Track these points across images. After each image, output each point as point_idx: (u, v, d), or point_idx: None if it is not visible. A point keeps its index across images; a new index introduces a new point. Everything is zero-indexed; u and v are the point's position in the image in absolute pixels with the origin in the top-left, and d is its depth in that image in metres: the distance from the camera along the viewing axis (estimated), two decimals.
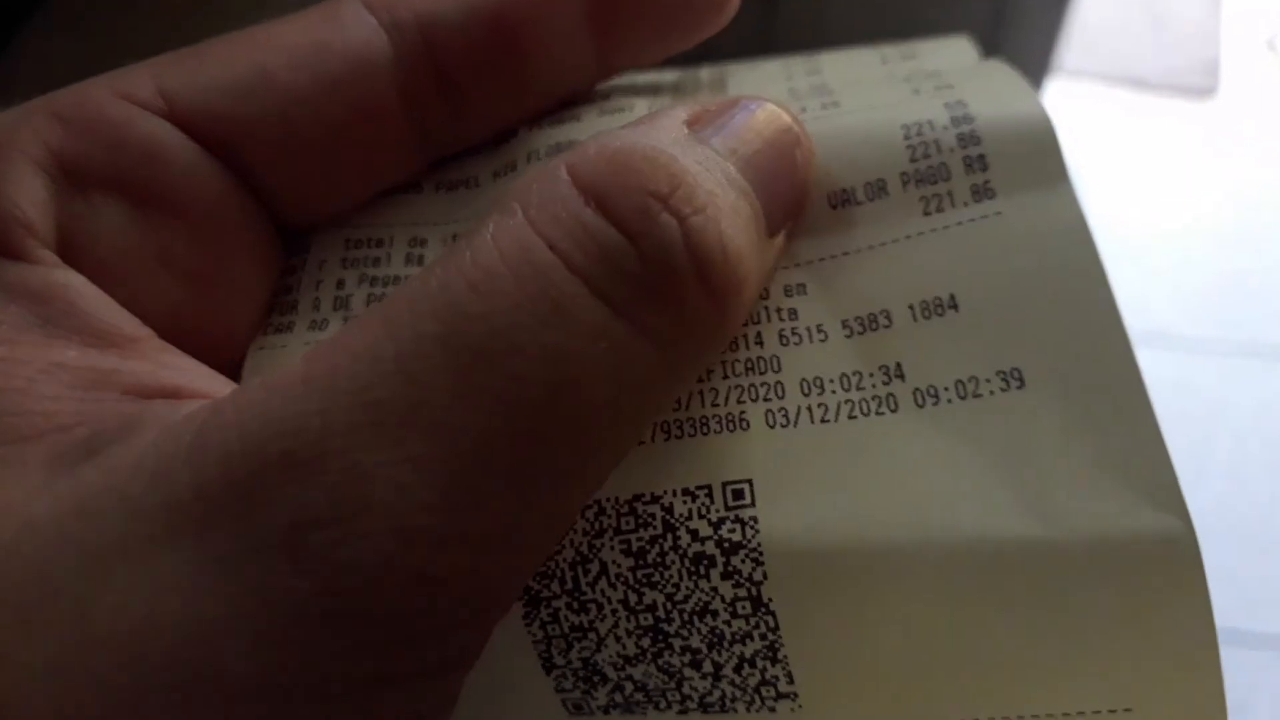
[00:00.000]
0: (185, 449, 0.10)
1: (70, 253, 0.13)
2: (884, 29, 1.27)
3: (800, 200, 0.14)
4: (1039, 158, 0.14)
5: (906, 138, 0.15)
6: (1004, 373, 0.14)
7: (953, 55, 0.18)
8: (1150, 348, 1.24)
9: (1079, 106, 1.51)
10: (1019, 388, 0.14)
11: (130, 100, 0.13)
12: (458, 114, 0.15)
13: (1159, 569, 0.13)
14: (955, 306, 0.14)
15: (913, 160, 0.15)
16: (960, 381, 0.14)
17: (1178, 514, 0.13)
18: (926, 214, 0.15)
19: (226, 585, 0.10)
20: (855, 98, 0.16)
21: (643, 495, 0.14)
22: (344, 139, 0.14)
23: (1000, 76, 0.16)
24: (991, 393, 0.14)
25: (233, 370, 0.15)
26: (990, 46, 1.37)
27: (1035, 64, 1.45)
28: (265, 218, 0.15)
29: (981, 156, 0.14)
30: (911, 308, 0.14)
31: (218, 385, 0.13)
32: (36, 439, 0.11)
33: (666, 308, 0.12)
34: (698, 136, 0.13)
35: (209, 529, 0.10)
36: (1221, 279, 1.30)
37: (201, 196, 0.14)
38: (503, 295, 0.11)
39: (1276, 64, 1.57)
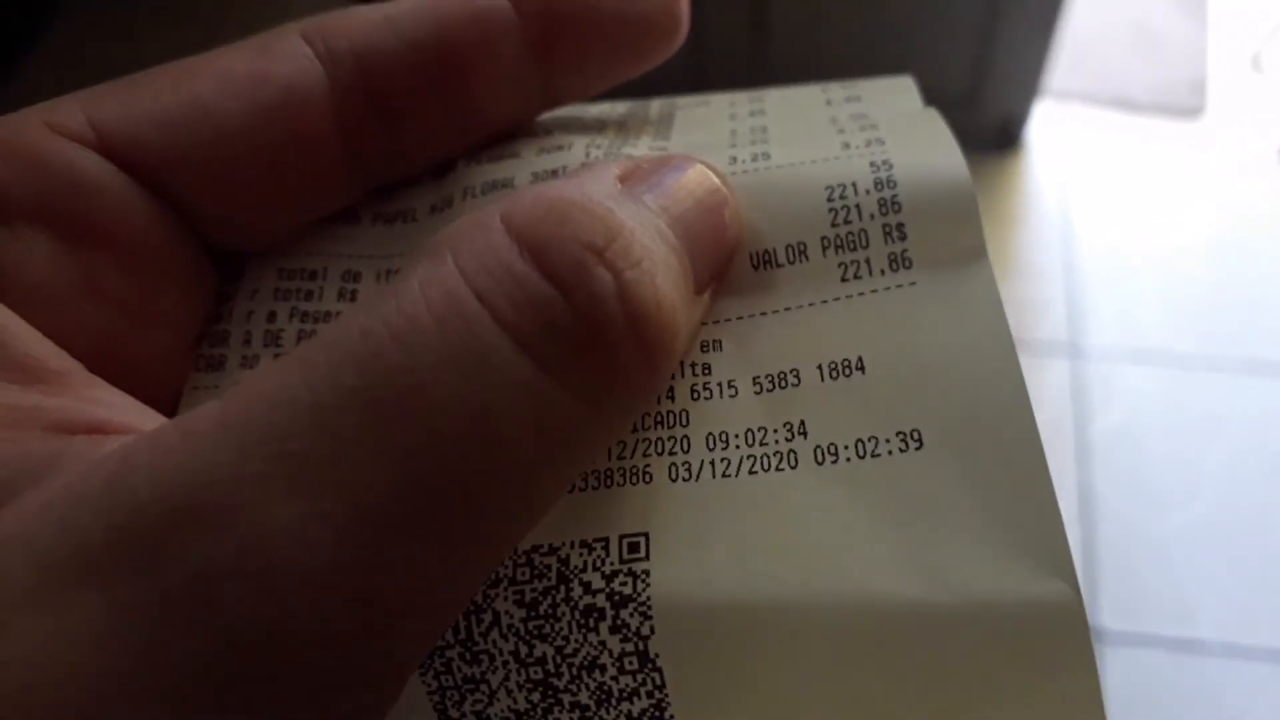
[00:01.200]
0: (97, 494, 0.10)
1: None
2: (874, 54, 1.28)
3: (727, 259, 0.14)
4: (957, 231, 0.15)
5: (829, 200, 0.15)
6: (904, 433, 0.14)
7: (895, 99, 0.17)
8: (1140, 364, 1.25)
9: (1067, 127, 1.53)
10: (917, 448, 0.14)
11: (59, 131, 0.13)
12: (396, 143, 0.15)
13: (1045, 637, 0.13)
14: (863, 369, 0.14)
15: (834, 225, 0.15)
16: (860, 440, 0.14)
17: (1067, 580, 0.13)
18: (844, 280, 0.15)
19: (131, 639, 0.09)
20: (787, 149, 0.16)
21: (540, 546, 0.14)
22: (278, 169, 0.14)
23: (931, 133, 0.16)
24: (890, 452, 0.14)
25: (167, 401, 0.15)
26: (979, 69, 1.38)
27: (1024, 85, 1.46)
28: (198, 246, 0.15)
29: (901, 225, 0.15)
30: (820, 368, 0.14)
31: (146, 419, 0.12)
32: None
33: (597, 363, 0.11)
34: (630, 193, 0.13)
35: (117, 579, 0.10)
36: (1211, 296, 1.31)
37: (131, 227, 0.14)
38: (426, 348, 0.10)
39: (1262, 82, 1.58)
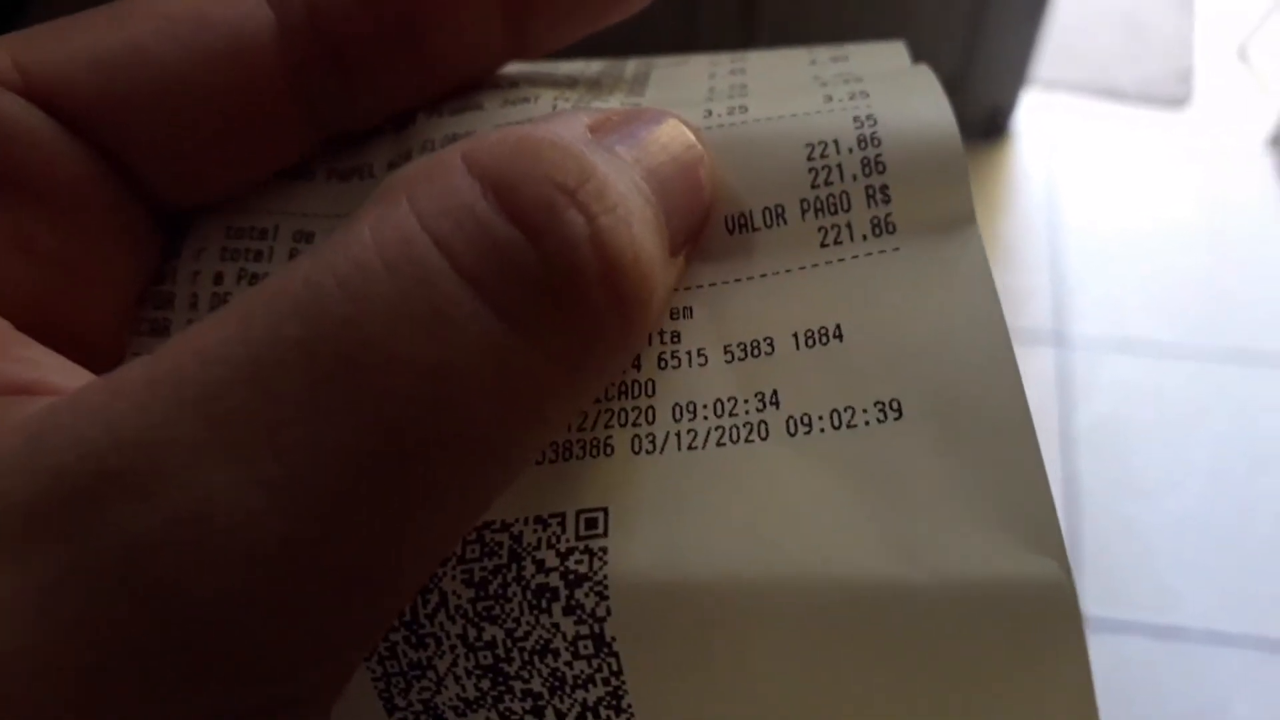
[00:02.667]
0: (18, 458, 0.09)
1: None
2: (863, 32, 1.27)
3: (702, 220, 0.13)
4: (945, 194, 0.14)
5: (810, 159, 0.14)
6: (882, 403, 0.13)
7: (885, 58, 0.17)
8: (1125, 353, 1.25)
9: (1055, 116, 1.53)
10: (896, 419, 0.13)
11: None
12: (350, 93, 0.14)
13: (1034, 617, 0.12)
14: (840, 336, 0.13)
15: (814, 186, 0.14)
16: (836, 411, 0.13)
17: (1056, 558, 0.12)
18: (824, 245, 0.14)
19: (51, 613, 0.09)
20: (766, 103, 0.15)
21: (492, 523, 0.13)
22: (223, 118, 0.13)
23: (920, 88, 0.15)
24: (867, 423, 0.13)
25: (106, 366, 0.13)
26: (967, 58, 1.38)
27: (1011, 74, 1.46)
28: (137, 201, 0.14)
29: (885, 188, 0.14)
30: (795, 336, 0.13)
31: (77, 380, 0.11)
32: None
33: (567, 318, 0.10)
34: (602, 143, 0.12)
35: (36, 550, 0.09)
36: (1196, 285, 1.31)
37: (62, 177, 0.13)
38: (378, 298, 0.09)
39: (1248, 73, 1.59)
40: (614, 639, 0.12)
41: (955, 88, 1.44)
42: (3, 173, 0.12)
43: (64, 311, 0.13)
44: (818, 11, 1.38)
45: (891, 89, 0.15)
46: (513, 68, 0.17)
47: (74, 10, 0.13)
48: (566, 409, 0.11)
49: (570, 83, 0.16)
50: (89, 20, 0.13)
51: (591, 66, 0.18)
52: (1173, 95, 1.55)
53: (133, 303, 0.14)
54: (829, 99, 0.14)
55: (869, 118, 0.14)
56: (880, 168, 0.14)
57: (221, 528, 0.09)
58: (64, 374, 0.11)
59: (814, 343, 0.13)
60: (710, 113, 0.15)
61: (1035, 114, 1.52)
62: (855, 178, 0.14)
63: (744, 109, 0.15)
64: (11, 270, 0.12)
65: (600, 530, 0.12)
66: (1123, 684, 1.02)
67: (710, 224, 0.14)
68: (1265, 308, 1.29)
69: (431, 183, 0.10)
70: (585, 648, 0.12)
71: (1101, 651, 1.03)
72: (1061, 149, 1.48)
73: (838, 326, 0.13)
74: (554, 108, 0.15)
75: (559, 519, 0.13)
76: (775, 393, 0.13)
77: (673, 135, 0.13)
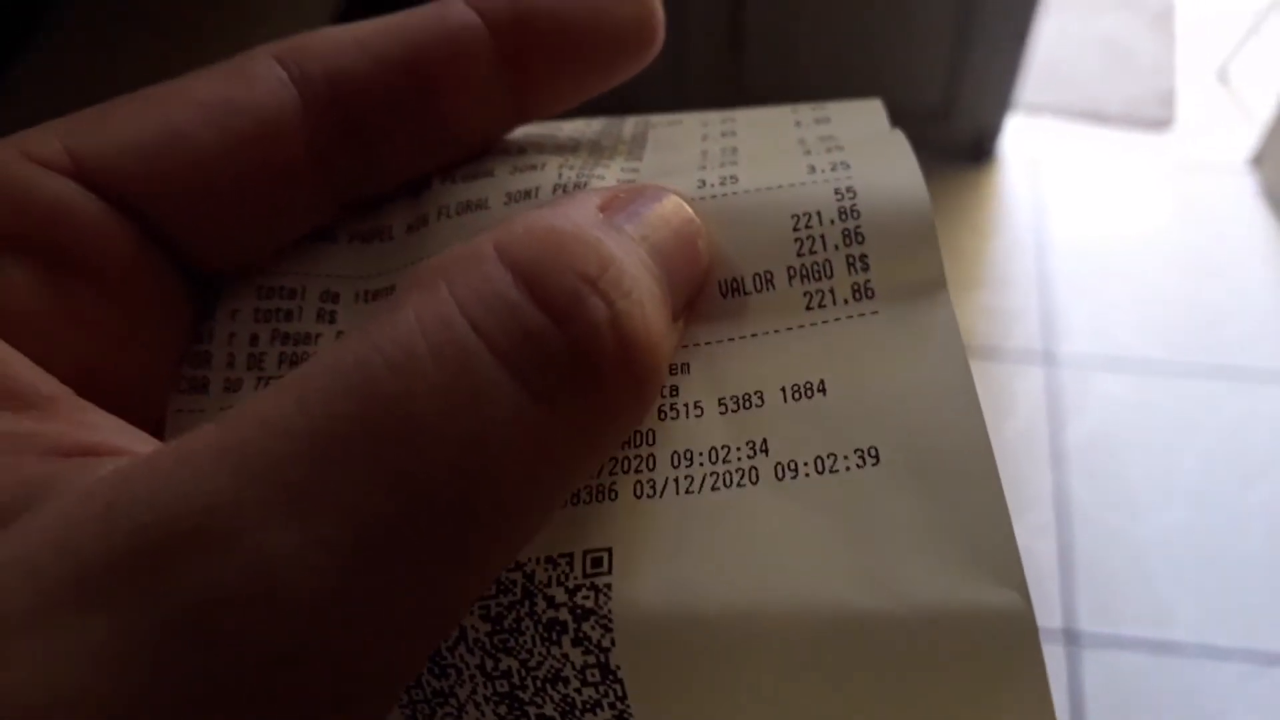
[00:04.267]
0: (96, 518, 0.10)
1: None
2: (848, 70, 1.30)
3: (699, 287, 0.15)
4: (918, 262, 0.15)
5: (795, 229, 0.15)
6: (861, 450, 0.14)
7: (864, 119, 0.18)
8: (1113, 372, 1.26)
9: (1040, 140, 1.55)
10: (874, 464, 0.14)
11: (37, 160, 0.13)
12: (369, 163, 0.15)
13: (996, 646, 0.13)
14: (824, 391, 0.15)
15: (799, 254, 0.15)
16: (820, 457, 0.14)
17: (1018, 590, 0.13)
18: (809, 308, 0.15)
19: (133, 662, 0.09)
20: (755, 172, 0.16)
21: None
22: (252, 194, 0.14)
23: (895, 158, 0.16)
24: (848, 468, 0.14)
25: (151, 422, 0.15)
26: (952, 83, 1.40)
27: (996, 99, 1.48)
28: (177, 270, 0.15)
29: (864, 257, 0.15)
30: (783, 390, 0.15)
31: (136, 441, 0.12)
32: None
33: (589, 393, 0.12)
34: (611, 222, 0.13)
35: (118, 603, 0.10)
36: (1182, 303, 1.33)
37: (111, 255, 0.14)
38: (422, 377, 0.11)
39: (1228, 94, 1.61)
40: (618, 667, 0.13)
41: (941, 113, 1.47)
42: (59, 252, 0.13)
43: (113, 377, 0.14)
44: (804, 39, 1.40)
45: (870, 160, 0.16)
46: (519, 132, 0.18)
47: (79, 42, 0.14)
48: (586, 469, 0.13)
49: (573, 147, 0.17)
50: (129, 106, 0.14)
51: (591, 126, 0.19)
52: (1155, 117, 1.57)
53: (172, 363, 0.15)
54: (812, 169, 0.16)
55: (849, 189, 0.15)
56: (859, 238, 0.15)
57: (287, 582, 0.10)
58: (123, 435, 0.12)
59: (800, 396, 0.15)
60: (704, 183, 0.16)
61: (1020, 137, 1.54)
62: (837, 247, 0.15)
63: (734, 179, 0.16)
64: (66, 341, 0.13)
65: (605, 569, 0.14)
66: (1117, 699, 1.02)
67: (707, 289, 0.15)
68: (1250, 324, 1.31)
69: (468, 271, 0.11)
70: (592, 675, 0.14)
71: (1095, 667, 1.04)
72: (1047, 171, 1.50)
73: (821, 381, 0.15)
74: (559, 175, 0.16)
75: (567, 559, 0.14)
76: (765, 441, 0.14)
77: (674, 211, 0.14)
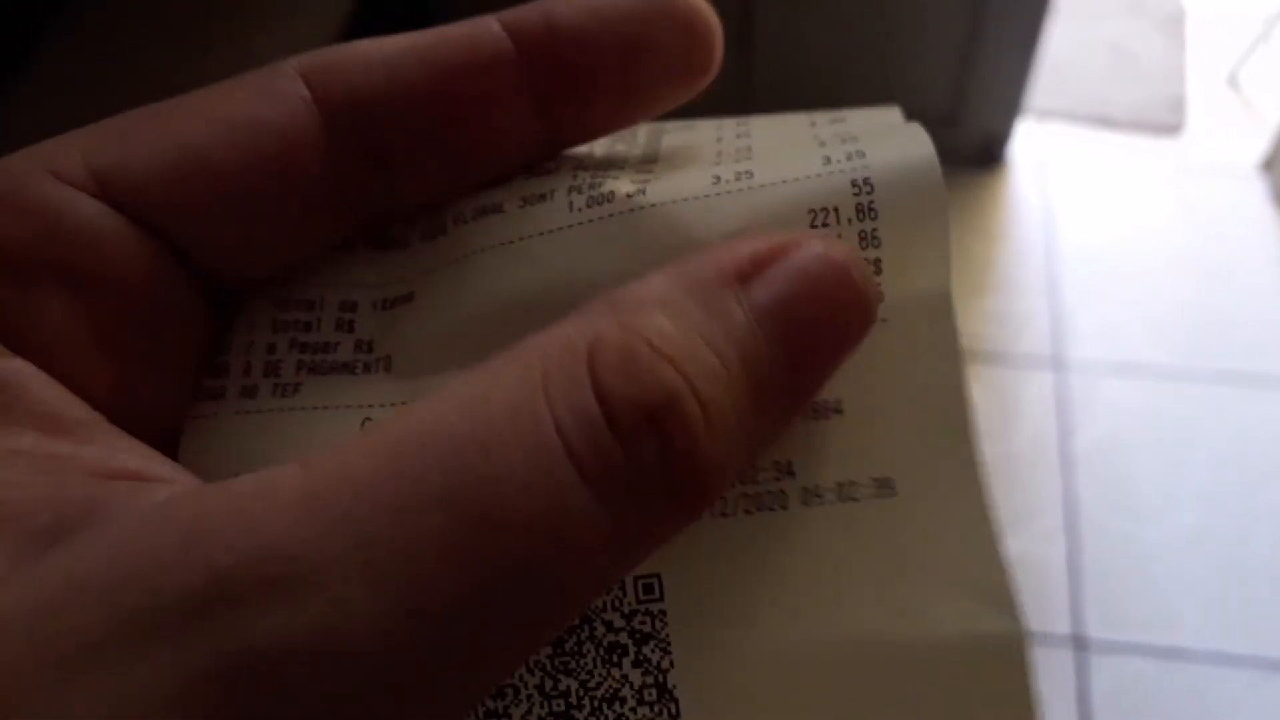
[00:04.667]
0: (171, 551, 0.10)
1: (14, 339, 0.13)
2: (857, 73, 1.30)
3: (846, 353, 0.14)
4: (928, 268, 0.15)
5: (813, 224, 0.15)
6: (877, 480, 0.15)
7: (880, 118, 0.18)
8: (1122, 377, 1.26)
9: (1049, 145, 1.55)
10: (890, 497, 0.15)
11: (64, 180, 0.13)
12: (390, 187, 0.15)
13: (992, 662, 0.14)
14: (840, 411, 0.15)
15: None
16: (840, 484, 0.15)
17: (1012, 615, 0.14)
18: None
19: (198, 702, 0.10)
20: (769, 165, 0.16)
21: None
22: (272, 213, 0.14)
23: (913, 148, 0.16)
24: (867, 498, 0.15)
25: (164, 432, 0.15)
26: (961, 88, 1.40)
27: (1005, 104, 1.48)
28: (197, 287, 0.15)
29: (878, 261, 0.15)
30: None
31: (173, 471, 0.13)
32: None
33: (655, 512, 0.12)
34: (736, 296, 0.13)
35: (190, 641, 0.10)
36: (1191, 308, 1.33)
37: (136, 276, 0.14)
38: (509, 465, 0.11)
39: (1238, 99, 1.61)
40: (675, 686, 0.14)
41: (950, 118, 1.47)
42: (89, 275, 0.13)
43: (137, 395, 0.14)
44: (813, 41, 1.40)
45: (887, 148, 0.15)
46: None
47: (86, 46, 0.14)
48: (645, 555, 0.13)
49: (582, 164, 0.17)
50: (152, 121, 0.14)
51: (598, 141, 0.18)
52: (1165, 122, 1.57)
53: (191, 377, 0.15)
54: (828, 160, 0.15)
55: (866, 181, 0.15)
56: (875, 241, 0.15)
57: (355, 643, 0.10)
58: (156, 462, 0.13)
59: (819, 416, 0.15)
60: (718, 178, 0.16)
61: (1030, 143, 1.54)
62: (852, 244, 0.15)
63: (749, 174, 0.15)
64: (96, 365, 0.14)
65: (657, 595, 0.15)
66: (1125, 706, 1.02)
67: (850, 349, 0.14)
68: (1258, 329, 1.30)
69: (561, 370, 0.12)
70: (649, 695, 0.14)
71: (1103, 673, 1.04)
72: (1056, 177, 1.50)
73: (838, 400, 0.15)
74: (574, 177, 0.16)
75: (620, 586, 0.15)
76: (790, 463, 0.15)
77: (821, 272, 0.13)
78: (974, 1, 1.32)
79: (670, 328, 0.12)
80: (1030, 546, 1.12)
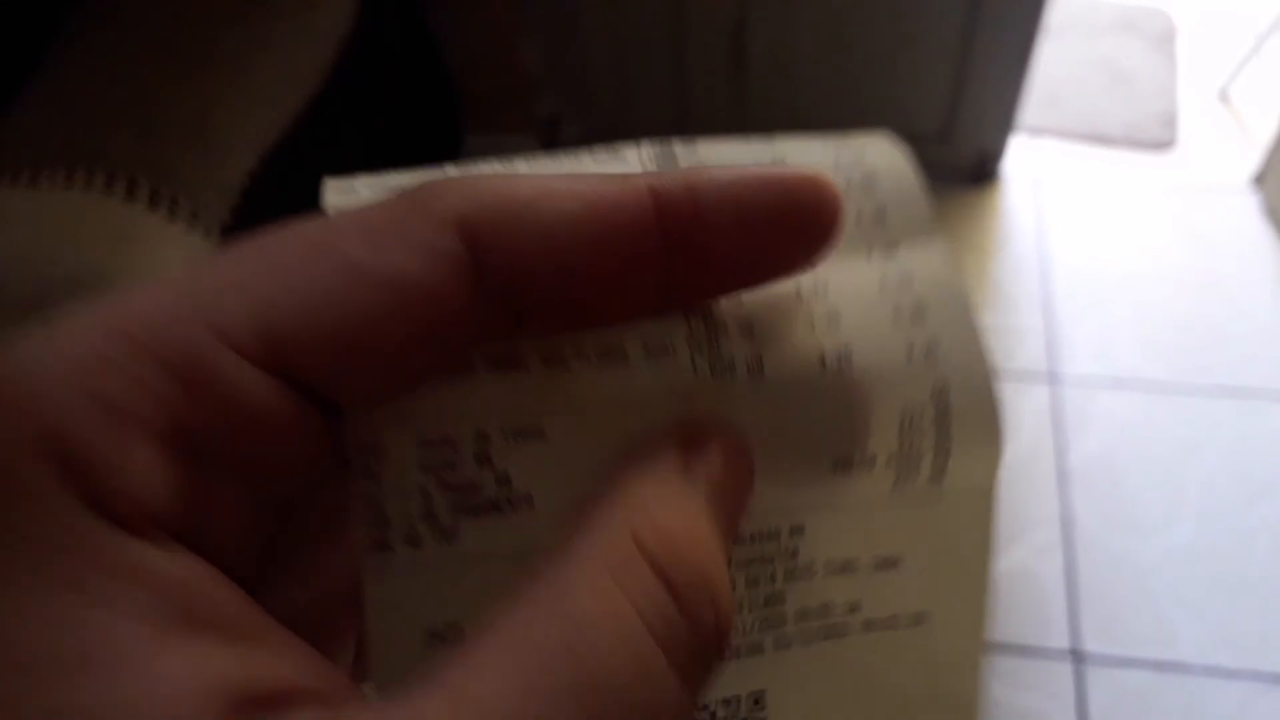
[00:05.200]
0: None
1: (193, 533, 0.13)
2: (851, 92, 1.31)
3: (738, 521, 0.17)
4: (984, 462, 0.18)
5: (900, 425, 0.18)
6: (915, 614, 0.19)
7: (924, 249, 0.19)
8: (1119, 390, 1.27)
9: (1043, 161, 1.56)
10: (918, 626, 0.19)
11: (234, 346, 0.13)
12: (519, 328, 0.15)
13: None
14: (897, 565, 0.19)
15: (900, 444, 0.18)
16: (893, 615, 0.19)
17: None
18: (895, 486, 0.18)
19: None
20: (860, 341, 0.18)
21: (698, 704, 0.18)
22: (411, 363, 0.15)
23: (976, 353, 0.18)
24: (905, 626, 0.19)
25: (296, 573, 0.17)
26: (954, 106, 1.41)
27: (998, 121, 1.49)
28: (328, 440, 0.15)
29: (948, 450, 0.18)
30: (873, 561, 0.19)
31: (334, 680, 0.13)
32: None
33: (706, 665, 0.14)
34: (691, 479, 0.15)
35: None
36: (1184, 323, 1.34)
37: (297, 451, 0.14)
38: (614, 655, 0.13)
39: (1230, 115, 1.62)
40: None
41: (943, 134, 1.48)
42: (259, 462, 0.13)
43: (276, 555, 0.15)
44: (807, 61, 1.41)
45: (956, 351, 0.18)
46: None
47: (86, 63, 0.13)
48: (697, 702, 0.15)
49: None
50: (309, 270, 0.14)
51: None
52: (1157, 138, 1.58)
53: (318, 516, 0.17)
54: (910, 350, 0.18)
55: (943, 389, 0.18)
56: (947, 438, 0.18)
57: None
58: (318, 673, 0.13)
59: (882, 568, 0.19)
60: (824, 360, 0.18)
61: (1023, 159, 1.55)
62: (930, 443, 0.18)
63: (849, 355, 0.18)
64: (254, 543, 0.14)
65: (763, 706, 0.19)
66: (1123, 719, 1.02)
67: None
68: (1252, 343, 1.31)
69: (617, 559, 0.14)
70: None
71: (1101, 687, 1.04)
72: (1050, 193, 1.51)
73: (899, 557, 0.19)
74: (693, 367, 0.17)
75: (736, 699, 0.19)
76: (859, 602, 0.19)
77: (734, 459, 0.17)
78: (967, 19, 1.34)
79: (676, 516, 0.15)
80: (1028, 561, 1.13)
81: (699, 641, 0.14)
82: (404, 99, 1.34)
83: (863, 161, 0.19)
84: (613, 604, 0.13)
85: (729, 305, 0.17)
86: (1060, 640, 1.07)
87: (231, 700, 0.11)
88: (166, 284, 0.13)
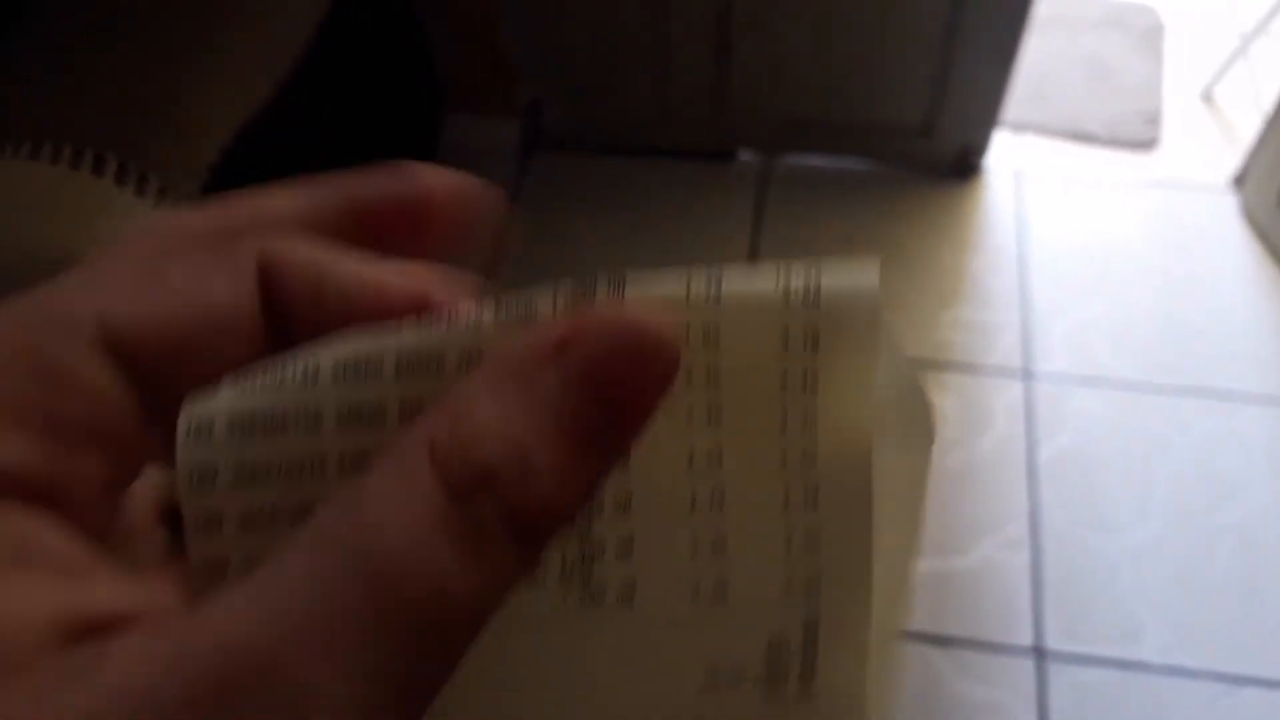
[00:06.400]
0: (165, 669, 0.13)
1: (54, 494, 0.15)
2: (834, 84, 1.30)
3: (651, 405, 0.16)
4: (850, 670, 0.19)
5: (767, 649, 0.19)
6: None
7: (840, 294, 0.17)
8: (1092, 388, 1.27)
9: (1025, 157, 1.56)
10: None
11: (84, 341, 0.16)
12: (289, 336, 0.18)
13: None
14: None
15: (765, 668, 0.19)
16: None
17: None
18: (766, 699, 0.19)
19: None
20: (741, 577, 0.19)
21: None
22: (223, 357, 0.17)
23: (859, 551, 0.19)
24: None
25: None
26: (937, 100, 1.41)
27: (981, 116, 1.49)
28: (150, 416, 0.17)
29: (813, 668, 0.19)
30: None
31: (167, 603, 0.16)
32: (23, 671, 0.13)
33: (499, 554, 0.15)
34: (552, 367, 0.15)
35: None
36: (1160, 323, 1.34)
37: (128, 423, 0.16)
38: (398, 549, 0.14)
39: (1213, 116, 1.62)
40: None
41: (926, 129, 1.47)
42: (113, 440, 0.16)
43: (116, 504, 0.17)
44: (790, 53, 1.41)
45: (841, 541, 0.18)
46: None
47: (75, 6, 0.14)
48: (506, 596, 0.16)
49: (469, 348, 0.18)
50: (145, 283, 0.17)
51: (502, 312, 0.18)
52: (1140, 137, 1.58)
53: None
54: (789, 540, 0.18)
55: (813, 621, 0.19)
56: (813, 659, 0.19)
57: (318, 707, 0.13)
58: (151, 594, 0.16)
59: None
60: (697, 589, 0.19)
61: (1005, 155, 1.55)
62: (796, 664, 0.19)
63: (724, 588, 0.19)
64: (102, 504, 0.16)
65: None
66: (1084, 717, 1.03)
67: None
68: (1226, 345, 1.32)
69: (415, 476, 0.15)
70: None
71: (1061, 684, 1.05)
72: (1031, 189, 1.52)
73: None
74: (563, 601, 0.18)
75: None
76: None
77: (625, 338, 0.16)
78: (952, 11, 1.33)
79: (491, 409, 0.15)
80: (995, 555, 1.13)
81: (481, 527, 0.14)
82: (384, 80, 1.33)
83: (818, 309, 0.17)
84: (399, 505, 0.14)
85: (613, 519, 0.18)
86: (1024, 636, 1.08)
87: (61, 628, 0.14)
88: (35, 295, 0.17)
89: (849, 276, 0.16)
